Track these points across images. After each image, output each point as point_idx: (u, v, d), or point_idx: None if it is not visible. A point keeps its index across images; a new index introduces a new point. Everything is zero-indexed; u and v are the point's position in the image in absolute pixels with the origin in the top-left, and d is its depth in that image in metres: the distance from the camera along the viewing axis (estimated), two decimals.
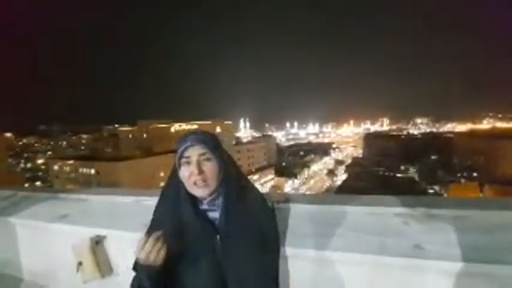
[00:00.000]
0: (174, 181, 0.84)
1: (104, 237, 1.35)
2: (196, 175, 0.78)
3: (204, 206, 0.83)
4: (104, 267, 1.34)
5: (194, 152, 0.79)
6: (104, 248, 1.35)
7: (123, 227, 1.32)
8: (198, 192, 0.80)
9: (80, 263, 1.33)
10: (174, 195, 0.84)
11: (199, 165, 0.79)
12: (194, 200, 0.82)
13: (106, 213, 1.54)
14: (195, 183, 0.79)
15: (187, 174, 0.79)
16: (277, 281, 0.84)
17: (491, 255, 0.84)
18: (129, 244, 1.26)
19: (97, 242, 1.34)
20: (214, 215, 0.83)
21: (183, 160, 0.80)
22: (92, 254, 1.31)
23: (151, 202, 1.47)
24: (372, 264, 0.93)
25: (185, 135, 0.82)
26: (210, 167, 0.80)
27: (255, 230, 0.84)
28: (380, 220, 1.10)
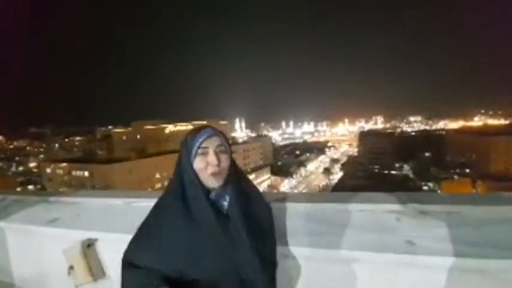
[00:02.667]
0: (183, 173, 0.83)
1: (96, 240, 1.33)
2: (215, 166, 0.80)
3: (213, 197, 0.84)
4: (96, 271, 1.32)
5: (212, 143, 0.81)
6: (95, 251, 1.33)
7: (115, 229, 1.29)
8: (213, 182, 0.81)
9: (72, 267, 1.30)
10: (182, 187, 0.83)
11: (217, 155, 0.81)
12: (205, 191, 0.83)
13: (97, 216, 1.51)
14: (211, 174, 0.80)
15: (203, 165, 0.80)
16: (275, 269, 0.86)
17: (482, 250, 0.84)
18: (121, 247, 1.24)
19: (88, 245, 1.31)
20: (221, 206, 0.84)
21: (200, 150, 0.81)
22: (83, 258, 1.28)
23: (143, 204, 1.44)
24: (364, 261, 0.93)
25: (198, 128, 0.85)
26: (225, 159, 0.83)
27: (259, 220, 0.88)
28: (373, 217, 1.10)
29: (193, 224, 0.79)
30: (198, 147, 0.81)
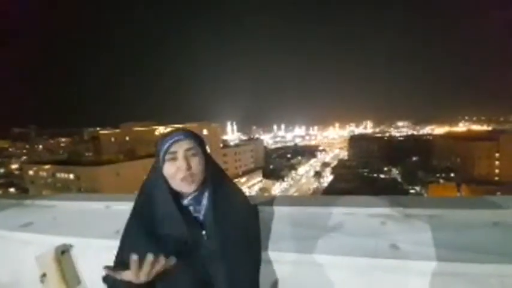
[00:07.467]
0: (154, 179, 0.81)
1: (71, 246, 1.26)
2: (185, 170, 0.76)
3: (187, 202, 0.80)
4: (70, 279, 1.25)
5: (181, 147, 0.78)
6: (70, 258, 1.26)
7: (92, 234, 1.24)
8: (185, 188, 0.78)
9: (44, 275, 1.23)
10: (155, 193, 0.80)
11: (187, 160, 0.77)
12: (177, 197, 0.80)
13: (73, 221, 1.44)
14: (182, 179, 0.77)
15: (173, 170, 0.77)
16: (258, 278, 0.84)
17: (465, 254, 0.84)
18: (98, 253, 1.18)
19: (63, 252, 1.24)
20: (198, 211, 0.81)
21: (169, 156, 0.77)
22: (57, 265, 1.21)
23: (122, 207, 1.39)
24: (349, 265, 0.92)
25: (168, 133, 0.81)
26: (197, 162, 0.79)
27: (239, 227, 0.84)
28: (357, 221, 1.09)
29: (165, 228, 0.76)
30: (166, 152, 0.77)
